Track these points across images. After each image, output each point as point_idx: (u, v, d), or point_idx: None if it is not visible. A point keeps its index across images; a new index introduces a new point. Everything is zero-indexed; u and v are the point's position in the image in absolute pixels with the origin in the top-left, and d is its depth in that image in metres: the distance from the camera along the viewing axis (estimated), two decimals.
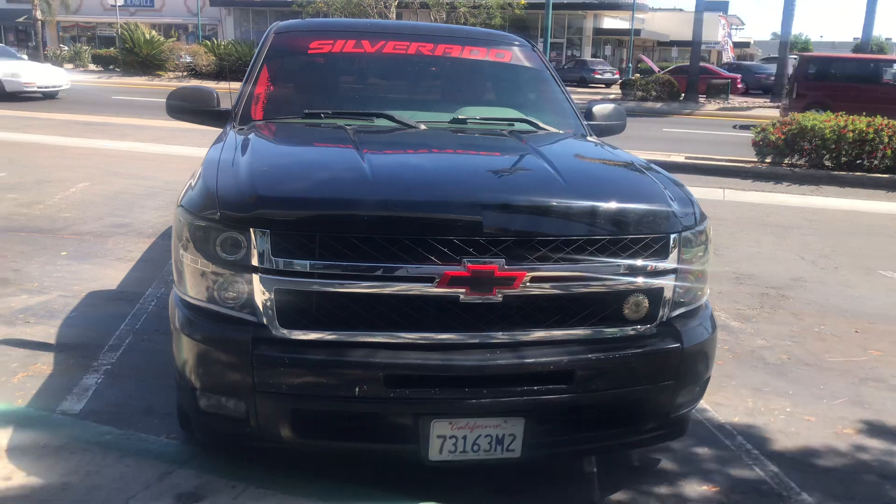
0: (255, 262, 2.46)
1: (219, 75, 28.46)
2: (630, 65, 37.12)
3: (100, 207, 7.75)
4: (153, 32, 35.08)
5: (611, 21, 51.01)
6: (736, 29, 75.33)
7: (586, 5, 45.39)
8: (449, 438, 2.53)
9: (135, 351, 4.17)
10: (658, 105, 25.57)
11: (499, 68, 4.15)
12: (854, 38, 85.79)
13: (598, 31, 50.22)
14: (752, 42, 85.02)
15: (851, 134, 10.96)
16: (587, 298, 2.60)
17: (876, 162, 11.04)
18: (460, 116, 3.67)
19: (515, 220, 2.55)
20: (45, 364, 3.95)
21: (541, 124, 3.72)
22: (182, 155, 11.64)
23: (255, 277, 2.47)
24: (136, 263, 5.89)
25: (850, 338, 4.90)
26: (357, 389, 2.44)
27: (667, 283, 2.69)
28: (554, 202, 2.61)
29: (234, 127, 3.52)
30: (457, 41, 4.14)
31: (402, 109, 3.67)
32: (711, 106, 27.25)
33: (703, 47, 59.77)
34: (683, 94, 28.44)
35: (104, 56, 35.85)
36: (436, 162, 3.14)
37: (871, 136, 10.87)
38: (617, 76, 41.27)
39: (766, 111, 23.94)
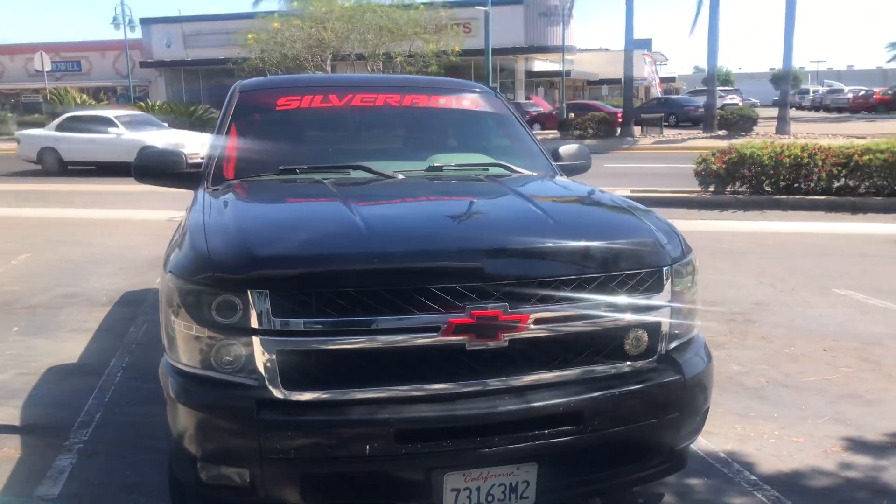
0: (254, 323, 2.39)
1: None
2: (563, 105, 38.14)
3: (46, 278, 7.47)
4: (84, 96, 34.47)
5: (541, 63, 52.36)
6: (661, 64, 78.25)
7: (517, 49, 46.50)
8: (463, 491, 2.46)
9: (107, 426, 3.98)
10: (596, 142, 26.19)
11: (466, 115, 4.19)
12: (770, 69, 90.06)
13: (530, 74, 51.46)
14: (676, 76, 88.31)
15: (788, 159, 11.39)
16: (588, 336, 2.59)
17: (812, 185, 11.48)
18: (436, 164, 3.66)
19: (515, 263, 2.54)
20: (12, 447, 3.74)
21: (514, 167, 3.75)
22: (122, 219, 11.40)
23: (255, 339, 2.39)
24: (94, 334, 5.67)
25: (820, 356, 5.01)
26: (368, 448, 2.37)
27: (662, 316, 2.70)
28: (550, 243, 2.61)
29: (207, 188, 3.45)
30: (423, 91, 4.17)
31: (376, 160, 3.64)
32: (647, 140, 28.06)
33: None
34: (620, 130, 29.24)
35: (31, 122, 35.04)
36: (426, 210, 3.13)
37: (806, 160, 11.32)
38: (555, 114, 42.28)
39: (702, 142, 24.72)
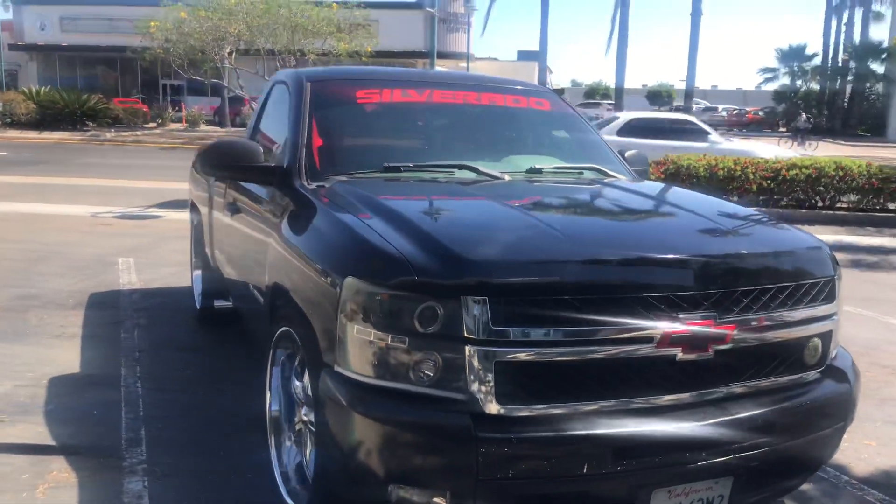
0: (467, 332, 2.19)
1: (40, 124, 26.02)
2: None
3: None
4: None
5: (439, 69, 52.76)
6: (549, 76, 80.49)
7: (417, 54, 46.61)
8: None
9: (160, 444, 3.59)
10: None
11: (542, 116, 4.08)
12: (644, 85, 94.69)
13: None
14: (564, 90, 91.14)
15: (721, 171, 11.95)
16: (778, 346, 2.56)
17: (742, 197, 12.09)
18: (537, 165, 3.56)
19: (720, 271, 2.47)
20: (62, 470, 3.29)
21: (608, 171, 3.69)
22: (41, 214, 10.49)
23: (469, 350, 2.19)
24: (82, 341, 5.13)
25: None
26: (586, 466, 2.23)
27: (833, 325, 2.72)
28: (744, 251, 2.57)
29: (306, 184, 3.19)
30: (497, 90, 4.04)
31: (465, 159, 3.50)
32: None
33: None
34: None
35: None
36: (604, 216, 3.02)
37: (739, 173, 11.92)
38: None
39: None
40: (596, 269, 2.34)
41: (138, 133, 29.91)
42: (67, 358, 4.77)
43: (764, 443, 2.46)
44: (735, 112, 52.04)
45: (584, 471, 2.23)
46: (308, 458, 2.82)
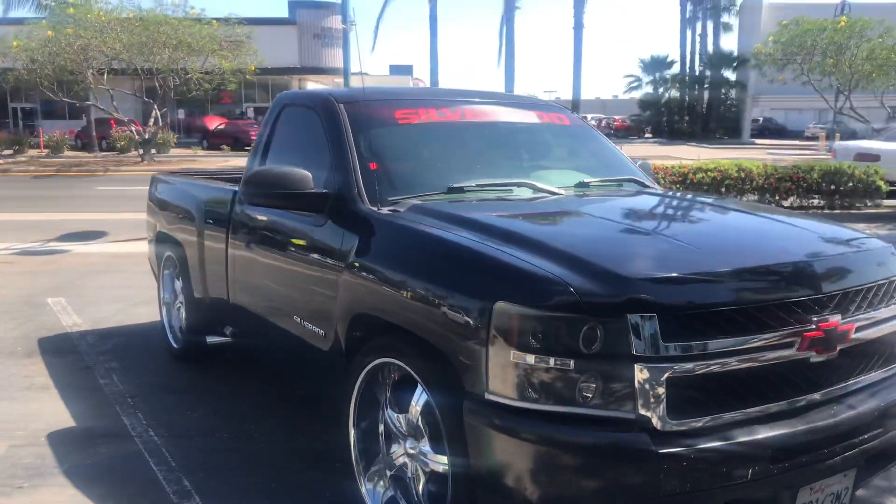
0: (636, 350, 2.19)
1: None
2: None
3: None
4: None
5: (314, 85, 52.16)
6: None
7: (292, 70, 45.86)
8: None
9: (217, 495, 3.34)
10: None
11: (566, 131, 4.13)
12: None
13: None
14: None
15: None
16: (884, 340, 2.71)
17: None
18: (586, 180, 3.62)
19: (838, 273, 2.59)
20: None
21: (645, 182, 3.80)
22: None
23: (639, 367, 2.19)
24: (58, 391, 4.69)
25: None
26: (750, 471, 2.28)
27: None
28: (849, 252, 2.72)
29: (376, 209, 3.09)
30: (520, 107, 4.06)
31: (513, 177, 3.53)
32: None
33: None
34: None
35: None
36: (705, 226, 3.09)
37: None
38: None
39: None
40: (744, 278, 2.41)
41: (0, 162, 27.70)
42: (53, 411, 4.35)
43: (881, 431, 2.60)
44: (603, 121, 54.53)
45: (749, 476, 2.27)
46: (419, 490, 2.72)
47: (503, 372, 2.29)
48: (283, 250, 3.64)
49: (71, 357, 5.37)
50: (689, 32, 48.31)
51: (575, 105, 31.89)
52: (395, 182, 3.29)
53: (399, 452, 2.85)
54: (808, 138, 43.99)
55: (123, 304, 6.91)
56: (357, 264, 2.97)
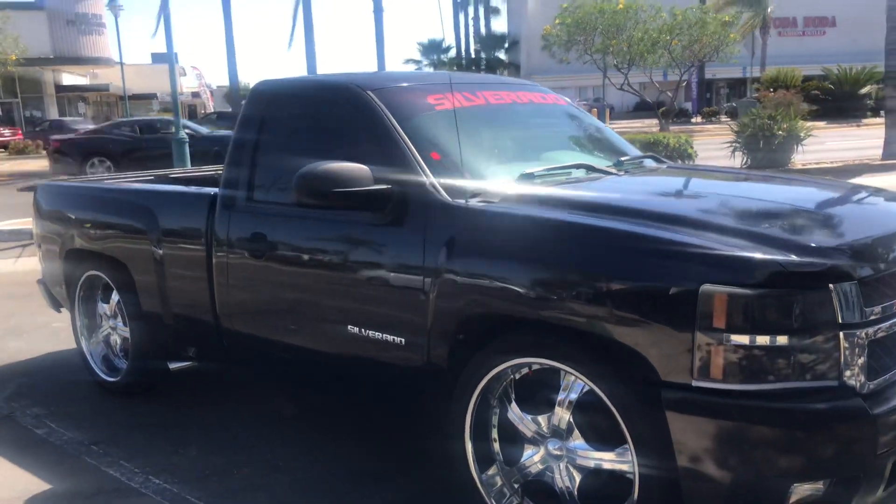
0: (842, 318, 2.24)
1: None
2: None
3: None
4: None
5: (71, 77, 47.30)
6: (181, 77, 76.60)
7: (44, 60, 41.14)
8: None
9: None
10: None
11: (568, 112, 4.10)
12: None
13: (61, 88, 46.03)
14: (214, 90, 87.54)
15: None
16: None
17: None
18: (622, 159, 3.64)
19: None
20: None
21: (660, 158, 3.93)
22: None
23: (844, 335, 2.25)
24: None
25: None
26: None
27: None
28: None
29: (464, 201, 2.88)
30: (526, 89, 3.98)
31: (552, 158, 3.51)
32: None
33: (168, 98, 59.53)
34: None
35: None
36: (798, 199, 3.21)
37: None
38: None
39: None
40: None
41: None
42: (9, 474, 3.60)
43: None
44: None
45: None
46: (572, 491, 2.62)
47: (713, 356, 2.24)
48: (322, 258, 3.29)
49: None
50: (462, 16, 50.14)
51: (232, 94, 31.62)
52: (463, 172, 3.08)
53: (537, 457, 2.70)
54: None
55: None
56: (467, 262, 2.74)
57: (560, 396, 2.59)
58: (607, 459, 2.53)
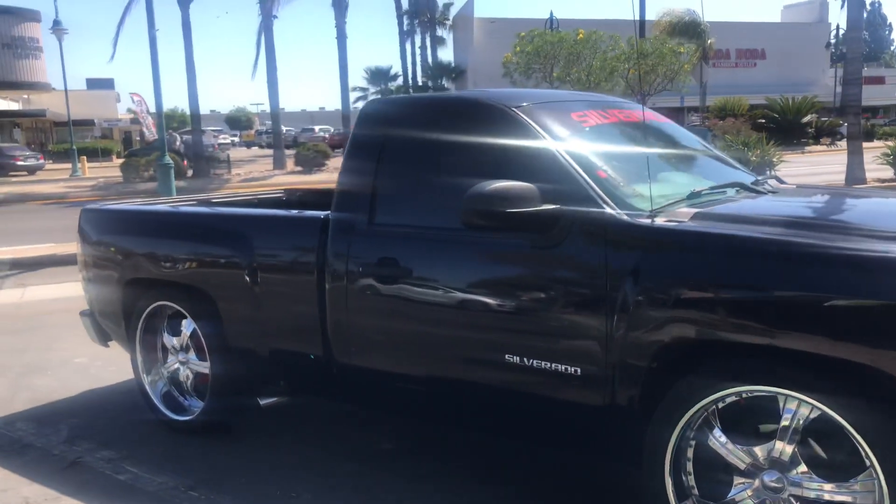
0: None
1: None
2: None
3: None
4: None
5: (3, 102, 45.46)
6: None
7: None
8: None
9: None
10: (182, 184, 23.52)
11: (666, 127, 4.03)
12: (211, 111, 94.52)
13: None
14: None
15: None
16: None
17: None
18: (759, 178, 3.64)
19: None
20: None
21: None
22: None
23: None
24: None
25: None
26: None
27: None
28: None
29: (656, 220, 2.74)
30: (630, 107, 3.90)
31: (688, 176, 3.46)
32: (235, 179, 26.91)
33: (106, 125, 57.77)
34: (192, 171, 27.37)
35: None
36: None
37: None
38: (42, 161, 37.41)
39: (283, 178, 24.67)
40: None
41: None
42: None
43: None
44: (336, 133, 54.50)
45: None
46: None
47: None
48: (471, 282, 3.10)
49: (32, 453, 4.08)
50: (408, 45, 50.34)
51: (274, 118, 31.16)
52: (631, 190, 2.95)
53: (750, 490, 2.55)
54: None
55: (5, 377, 5.44)
56: (670, 286, 2.60)
57: (782, 424, 2.46)
58: (841, 492, 2.40)
